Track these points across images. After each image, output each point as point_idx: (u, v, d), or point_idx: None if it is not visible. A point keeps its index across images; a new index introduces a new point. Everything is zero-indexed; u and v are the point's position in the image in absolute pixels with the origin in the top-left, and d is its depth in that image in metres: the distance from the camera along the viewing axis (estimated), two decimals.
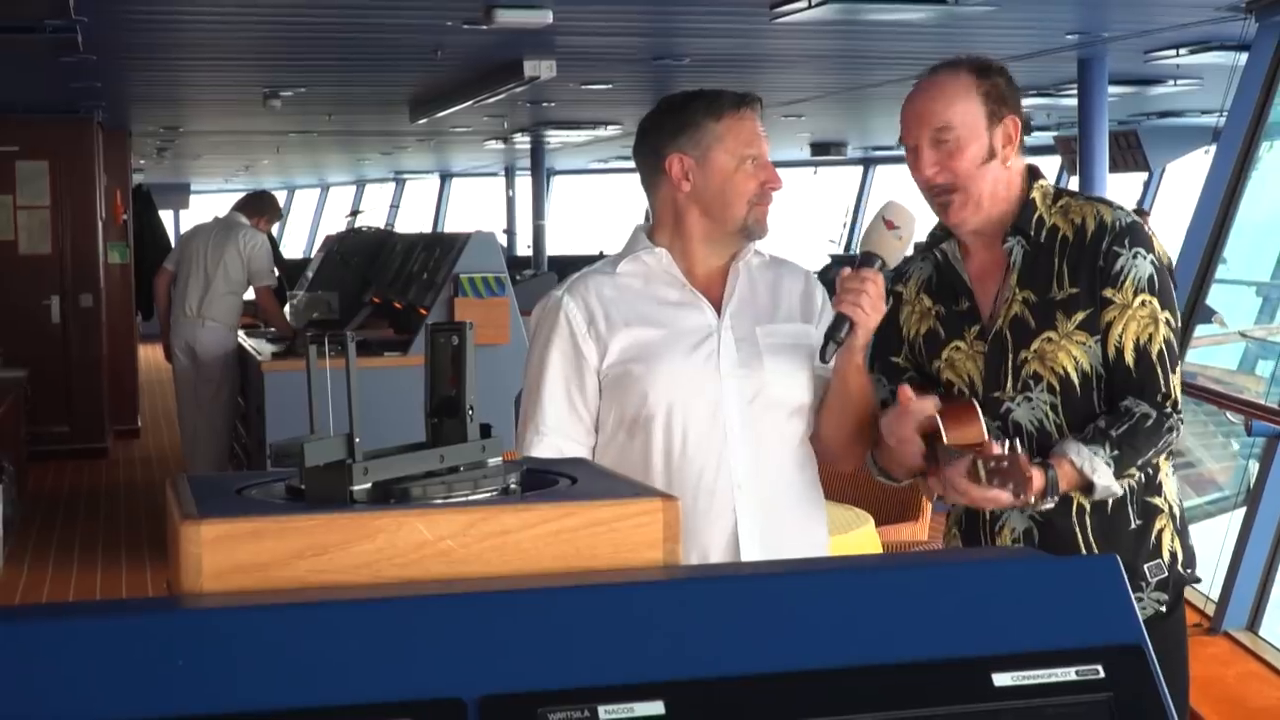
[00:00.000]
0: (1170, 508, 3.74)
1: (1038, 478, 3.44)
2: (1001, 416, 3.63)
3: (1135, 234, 3.63)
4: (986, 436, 3.49)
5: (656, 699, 1.72)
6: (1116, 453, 3.50)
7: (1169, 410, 3.59)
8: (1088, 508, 3.62)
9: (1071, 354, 3.59)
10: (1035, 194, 3.70)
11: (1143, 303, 3.60)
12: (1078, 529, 3.63)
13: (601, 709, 1.71)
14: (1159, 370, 3.61)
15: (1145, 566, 3.66)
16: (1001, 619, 1.87)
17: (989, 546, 3.66)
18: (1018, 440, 3.55)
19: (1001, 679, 1.81)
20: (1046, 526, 3.63)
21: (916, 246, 3.81)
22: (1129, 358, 3.59)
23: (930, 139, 3.62)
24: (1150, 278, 3.61)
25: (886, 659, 1.81)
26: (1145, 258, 3.61)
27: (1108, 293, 3.59)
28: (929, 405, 3.53)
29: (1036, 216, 3.67)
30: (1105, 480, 3.48)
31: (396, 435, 2.17)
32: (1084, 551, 3.62)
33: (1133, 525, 3.66)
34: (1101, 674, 1.84)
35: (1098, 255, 3.60)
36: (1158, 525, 3.69)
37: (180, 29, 11.58)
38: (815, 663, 1.79)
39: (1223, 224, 9.28)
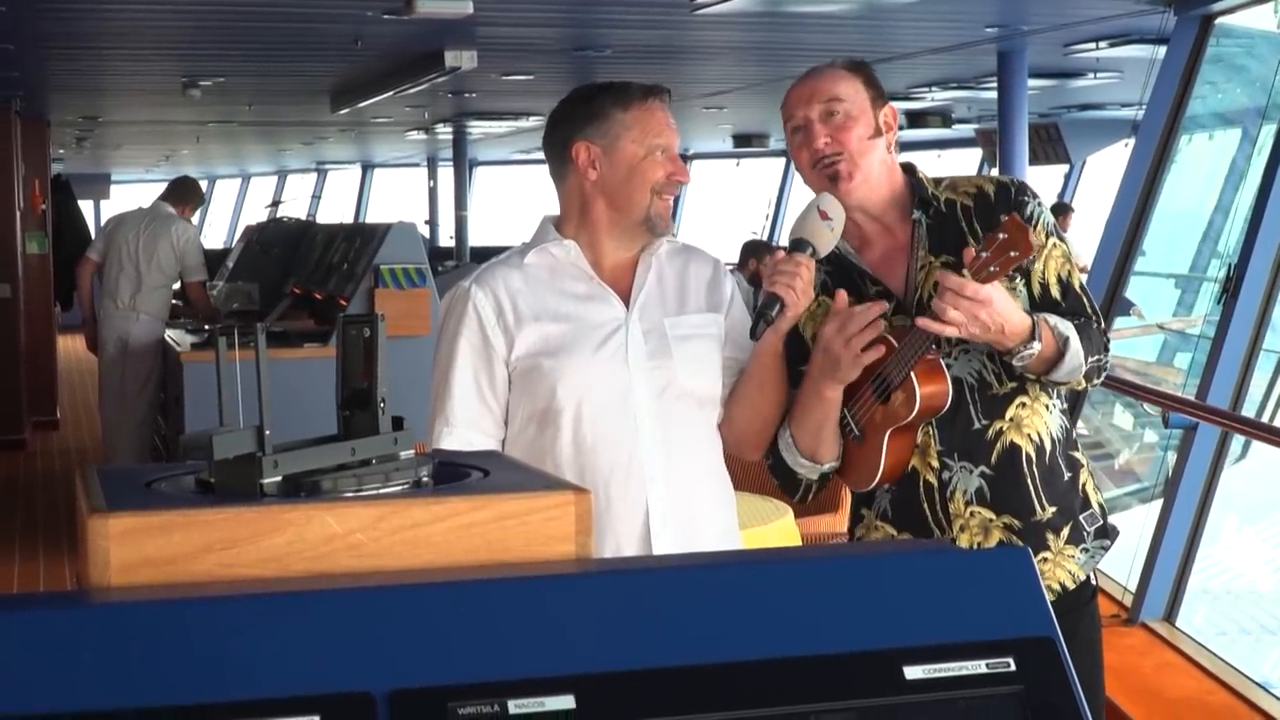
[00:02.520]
0: (1087, 462, 3.80)
1: (1026, 322, 3.47)
2: None
3: (1030, 188, 3.74)
4: (950, 395, 3.56)
5: (567, 693, 1.72)
6: (1079, 335, 3.54)
7: (1103, 327, 3.68)
8: (1033, 456, 3.64)
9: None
10: (919, 178, 3.78)
11: (1055, 244, 3.69)
12: (1027, 480, 3.64)
13: (511, 703, 1.70)
14: (1085, 299, 3.70)
15: (1082, 518, 3.71)
16: (913, 611, 1.87)
17: (901, 540, 3.65)
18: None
19: (913, 671, 1.82)
20: (997, 481, 3.63)
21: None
22: (1055, 291, 3.67)
23: (821, 113, 3.67)
24: (1054, 224, 3.73)
25: (798, 651, 1.81)
26: (1044, 206, 3.73)
27: None
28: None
29: (930, 193, 3.72)
30: (1075, 345, 3.52)
31: (316, 427, 2.15)
32: (1035, 502, 3.65)
33: (1065, 477, 3.70)
34: (1013, 666, 1.84)
35: (1009, 206, 3.66)
36: (1082, 478, 3.75)
37: (99, 17, 11.51)
38: (726, 656, 1.78)
39: (1141, 216, 9.35)
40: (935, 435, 3.64)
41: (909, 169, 3.80)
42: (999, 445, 3.64)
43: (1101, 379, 3.71)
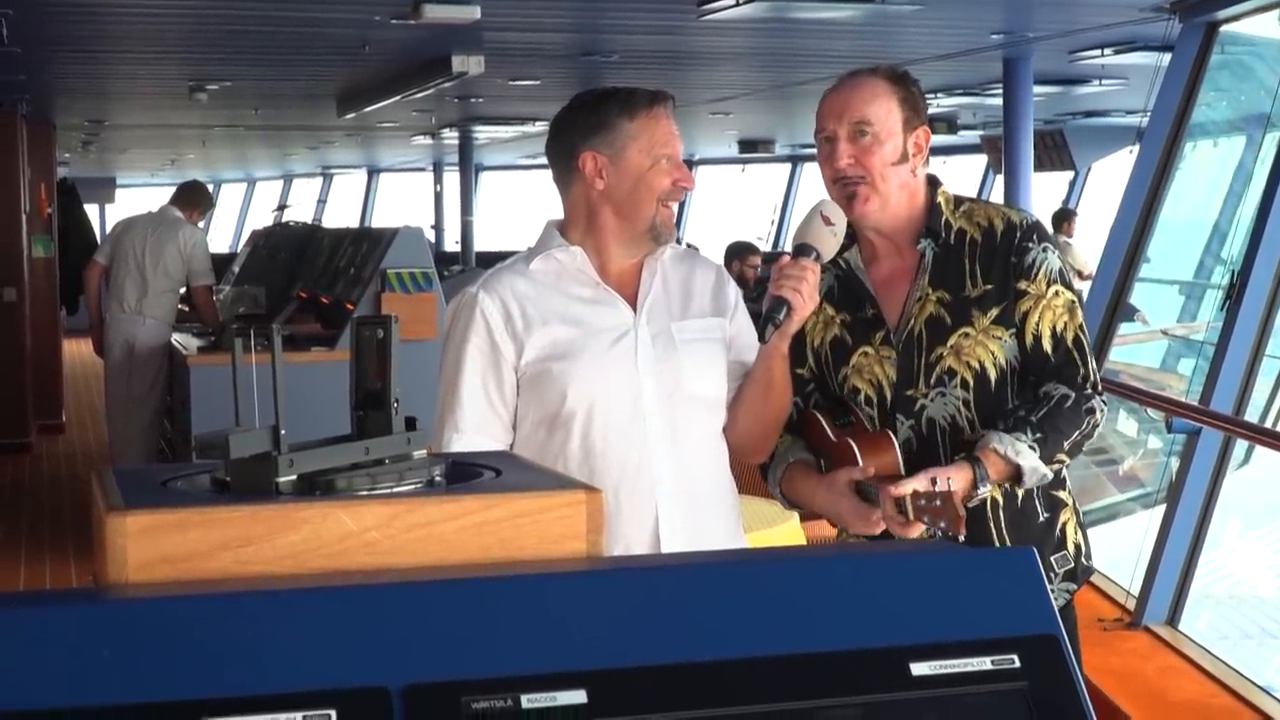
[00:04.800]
0: (1072, 501, 3.82)
1: (964, 473, 3.51)
2: (915, 414, 3.69)
3: (1041, 231, 3.77)
4: (901, 467, 3.62)
5: (579, 688, 1.74)
6: (1039, 435, 3.58)
7: (1089, 391, 3.68)
8: (1000, 501, 3.70)
9: (989, 348, 3.66)
10: (940, 199, 3.78)
11: (1056, 292, 3.70)
12: (991, 523, 3.70)
13: (524, 697, 1.72)
14: (1076, 355, 3.70)
15: (1053, 558, 3.74)
16: (919, 609, 1.89)
17: (908, 540, 3.70)
18: (948, 483, 3.58)
19: (919, 668, 1.84)
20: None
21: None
22: (1047, 345, 3.68)
23: (849, 132, 3.68)
24: (1060, 270, 3.73)
25: (806, 648, 1.83)
26: (1052, 252, 3.74)
27: (1022, 284, 3.68)
28: (851, 472, 3.63)
29: (944, 220, 3.74)
30: (1031, 462, 3.56)
31: (323, 429, 2.17)
32: (996, 542, 3.69)
33: (1041, 518, 3.75)
34: (1017, 663, 1.86)
35: (1009, 252, 3.70)
36: (1062, 518, 3.79)
37: (106, 21, 11.53)
38: (735, 652, 1.80)
39: (1146, 223, 9.36)
40: (904, 472, 3.66)
41: (933, 183, 3.82)
42: None
43: (1096, 433, 3.73)
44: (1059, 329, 3.68)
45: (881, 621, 1.87)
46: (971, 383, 3.68)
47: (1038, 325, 3.68)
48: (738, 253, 13.63)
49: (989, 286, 3.68)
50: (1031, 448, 3.57)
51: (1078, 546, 3.80)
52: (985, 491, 3.56)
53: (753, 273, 13.44)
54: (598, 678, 1.75)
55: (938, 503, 3.42)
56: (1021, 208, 3.84)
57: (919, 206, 3.77)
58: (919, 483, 3.47)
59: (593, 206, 3.72)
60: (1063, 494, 3.80)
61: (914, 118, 3.74)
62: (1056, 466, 3.65)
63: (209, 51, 13.46)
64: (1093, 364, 3.73)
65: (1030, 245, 3.70)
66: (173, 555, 1.87)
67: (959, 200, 3.81)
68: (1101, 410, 3.69)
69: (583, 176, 3.70)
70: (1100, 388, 3.72)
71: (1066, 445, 3.62)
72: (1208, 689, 6.99)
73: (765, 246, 25.65)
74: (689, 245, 4.02)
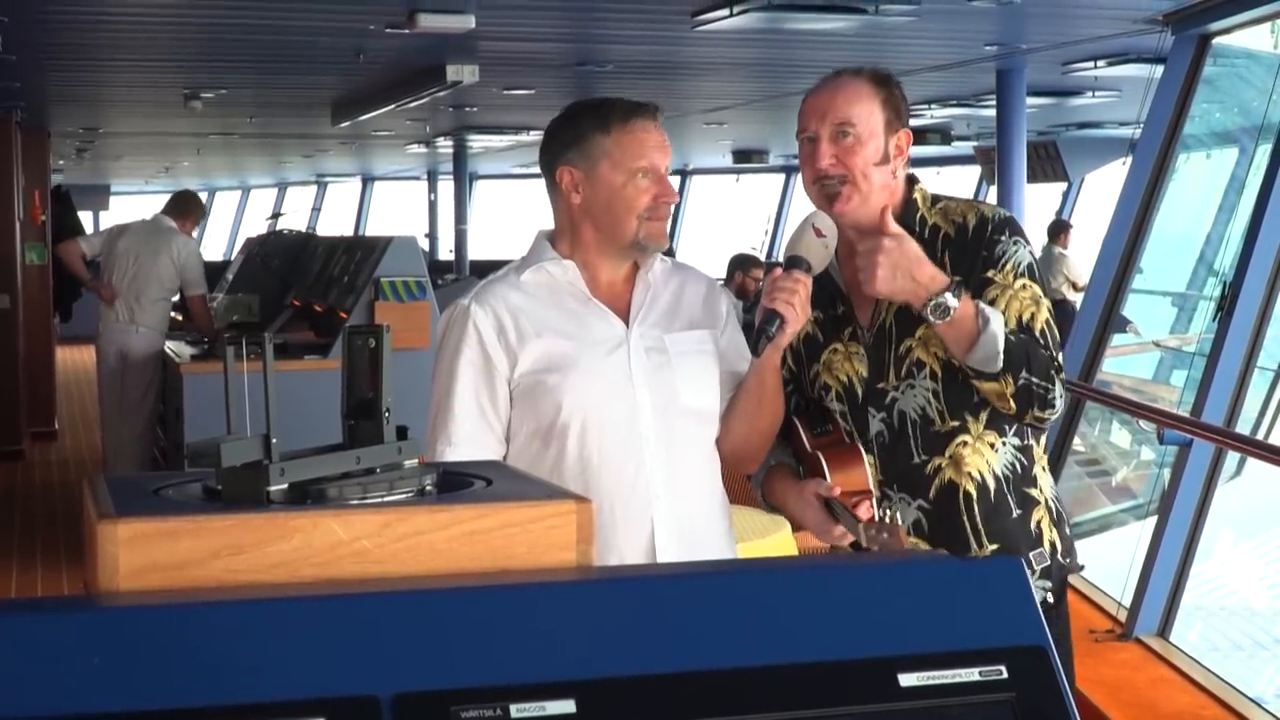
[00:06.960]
0: (1046, 501, 3.81)
1: (941, 277, 3.55)
2: (886, 407, 3.70)
3: (1013, 225, 3.74)
4: (871, 483, 3.64)
5: (568, 697, 1.74)
6: (1011, 339, 3.55)
7: (1054, 370, 3.65)
8: (974, 495, 3.68)
9: None
10: (916, 195, 3.78)
11: (1024, 285, 3.68)
12: (965, 517, 3.69)
13: (513, 707, 1.72)
14: (1042, 343, 3.66)
15: (1030, 555, 3.73)
16: (907, 620, 1.90)
17: (898, 550, 3.71)
18: (897, 517, 3.58)
19: (907, 679, 1.84)
20: (935, 515, 3.68)
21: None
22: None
23: (830, 133, 3.68)
24: (1030, 265, 3.71)
25: (795, 659, 1.83)
26: (1024, 247, 3.72)
27: (989, 274, 3.66)
28: (818, 485, 3.65)
29: (919, 215, 3.74)
30: (995, 329, 3.51)
31: (316, 438, 2.17)
32: (972, 539, 3.69)
33: (1014, 514, 3.73)
34: (1005, 674, 1.87)
35: (980, 245, 3.68)
36: (1036, 515, 3.77)
37: (101, 29, 11.53)
38: (724, 662, 1.81)
39: (1139, 234, 9.39)
40: (877, 465, 3.68)
41: (911, 182, 3.82)
42: (937, 481, 3.70)
43: (1046, 413, 3.65)
44: (1025, 319, 3.66)
45: (870, 632, 1.88)
46: (940, 373, 3.67)
47: (1004, 314, 3.65)
48: (740, 264, 13.65)
49: (957, 278, 3.66)
50: (1006, 337, 3.55)
51: (1053, 544, 3.79)
52: (951, 304, 3.52)
53: (754, 285, 13.44)
54: (587, 688, 1.76)
55: (885, 535, 3.45)
56: (996, 204, 3.82)
57: (897, 206, 3.76)
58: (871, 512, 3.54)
59: (575, 220, 3.71)
60: (1034, 491, 3.78)
61: (896, 120, 3.73)
62: (995, 366, 3.57)
63: (204, 60, 13.47)
64: (1059, 354, 3.71)
65: (1000, 238, 3.69)
66: (164, 563, 1.87)
67: (936, 198, 3.81)
68: (1061, 394, 3.66)
69: (561, 191, 3.70)
70: (1063, 376, 3.70)
71: (1022, 377, 3.56)
72: (1199, 700, 6.99)
73: (759, 257, 25.67)
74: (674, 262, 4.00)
